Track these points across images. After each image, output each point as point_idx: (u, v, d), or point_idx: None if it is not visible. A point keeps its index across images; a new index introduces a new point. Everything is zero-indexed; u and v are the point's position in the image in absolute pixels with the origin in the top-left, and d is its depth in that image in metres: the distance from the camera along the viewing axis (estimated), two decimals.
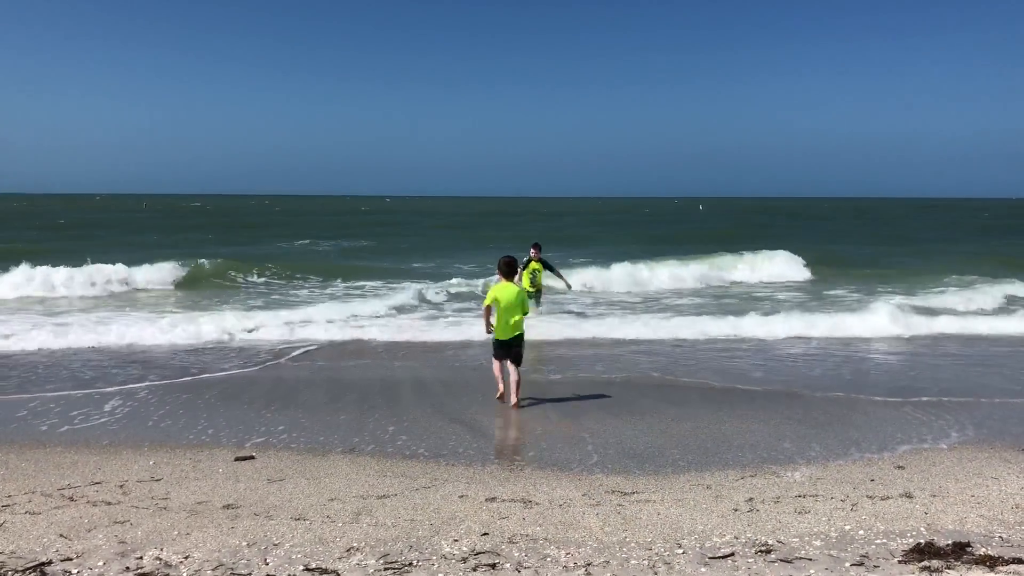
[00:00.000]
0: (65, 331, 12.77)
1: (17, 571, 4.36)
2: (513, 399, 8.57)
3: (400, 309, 16.35)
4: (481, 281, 20.26)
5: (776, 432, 7.74)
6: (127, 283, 19.90)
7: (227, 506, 5.55)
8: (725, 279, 22.87)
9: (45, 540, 4.85)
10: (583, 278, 20.66)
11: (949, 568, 4.28)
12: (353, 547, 4.73)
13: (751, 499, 5.68)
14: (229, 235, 45.65)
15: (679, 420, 8.19)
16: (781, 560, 4.48)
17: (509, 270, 8.66)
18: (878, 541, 4.78)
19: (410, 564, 4.47)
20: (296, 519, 5.25)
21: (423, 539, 4.87)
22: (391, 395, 9.29)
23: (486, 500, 5.67)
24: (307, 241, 40.66)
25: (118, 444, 7.35)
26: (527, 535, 4.93)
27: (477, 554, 4.61)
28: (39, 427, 7.93)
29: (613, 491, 5.93)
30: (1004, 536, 4.86)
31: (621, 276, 21.48)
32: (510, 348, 8.61)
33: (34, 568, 4.40)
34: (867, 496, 5.72)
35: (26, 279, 18.48)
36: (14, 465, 6.63)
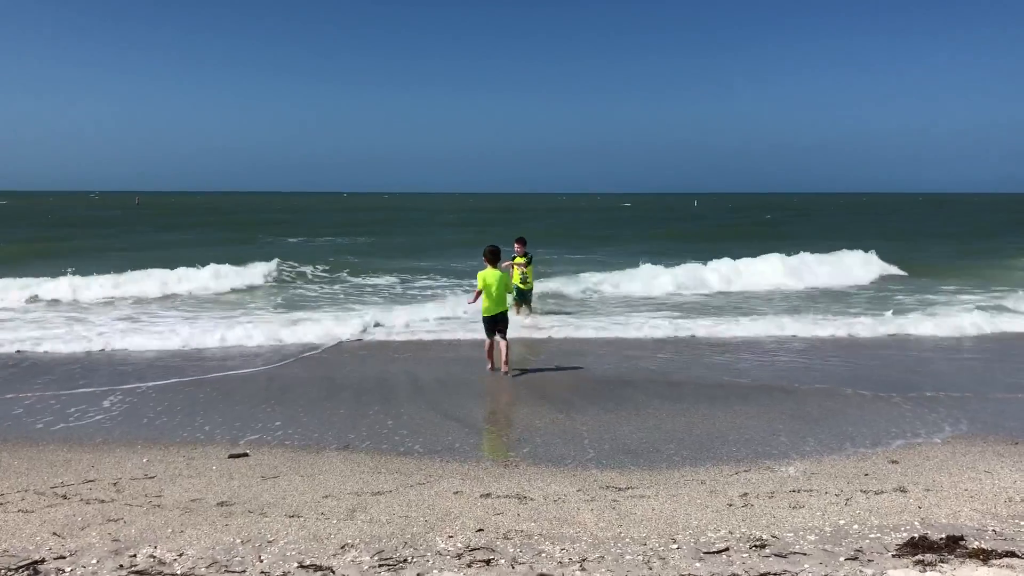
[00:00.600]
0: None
1: (10, 570, 4.34)
2: (504, 367, 9.98)
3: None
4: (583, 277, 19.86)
5: (770, 428, 7.75)
6: (247, 281, 19.72)
7: (221, 503, 5.54)
8: (820, 280, 20.41)
9: (38, 538, 4.83)
10: (679, 279, 19.44)
11: (943, 562, 4.29)
12: (347, 544, 4.73)
13: (745, 494, 5.69)
14: (264, 232, 45.51)
15: (673, 416, 8.21)
16: (775, 555, 4.49)
17: (493, 257, 10.15)
18: (872, 535, 4.79)
19: (405, 561, 4.46)
20: (290, 516, 5.24)
21: (418, 535, 4.86)
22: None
23: (481, 496, 5.66)
24: (342, 239, 39.96)
25: (111, 442, 7.32)
26: (522, 531, 4.93)
27: (472, 550, 4.61)
28: (34, 425, 7.91)
29: (608, 486, 5.93)
30: (997, 529, 4.88)
31: (717, 276, 20.07)
32: (496, 323, 10.08)
33: (27, 566, 4.39)
34: (861, 490, 5.73)
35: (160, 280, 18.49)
36: (7, 463, 6.61)
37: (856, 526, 4.96)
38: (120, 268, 19.45)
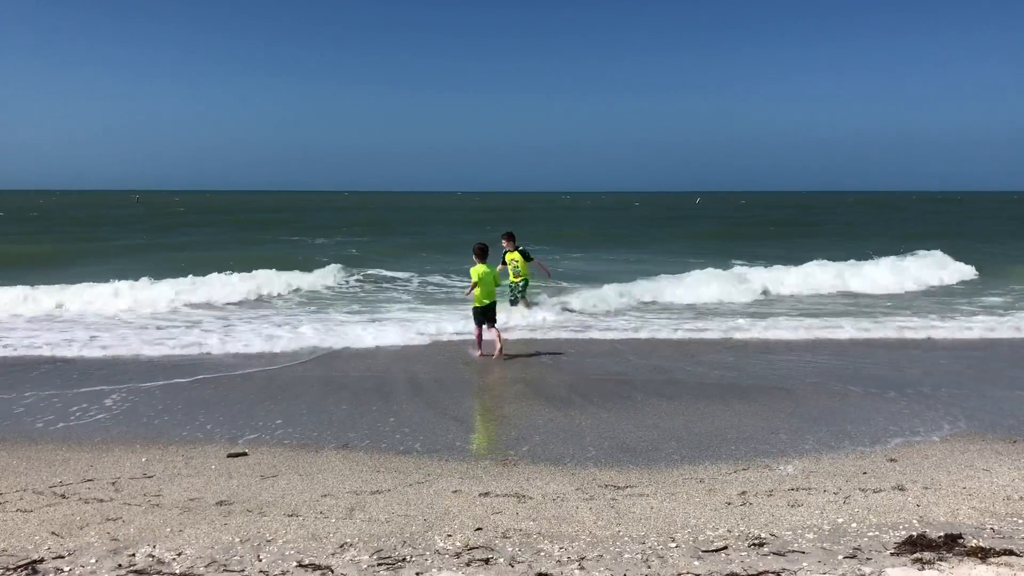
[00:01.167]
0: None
1: (8, 569, 4.34)
2: (497, 354, 10.86)
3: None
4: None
5: (768, 425, 7.76)
6: (343, 281, 19.73)
7: (220, 502, 5.54)
8: (899, 284, 19.34)
9: (37, 538, 4.83)
10: (767, 282, 18.47)
11: (941, 560, 4.29)
12: (346, 543, 4.73)
13: (744, 492, 5.69)
14: (296, 231, 44.97)
15: (672, 414, 8.21)
16: (774, 553, 4.50)
17: (482, 254, 11.20)
18: (871, 534, 4.80)
19: (403, 559, 4.46)
20: (289, 515, 5.24)
21: (416, 534, 4.87)
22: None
23: (479, 495, 5.67)
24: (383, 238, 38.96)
25: (110, 441, 7.32)
26: (520, 530, 4.93)
27: (471, 549, 4.61)
28: (35, 423, 7.90)
29: (607, 485, 5.93)
30: (996, 528, 4.88)
31: (822, 279, 19.24)
32: (486, 313, 11.12)
33: (26, 566, 4.39)
34: (860, 489, 5.74)
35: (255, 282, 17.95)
36: (5, 462, 6.60)
37: (854, 524, 4.97)
38: (199, 270, 19.38)
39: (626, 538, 4.79)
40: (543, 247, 29.15)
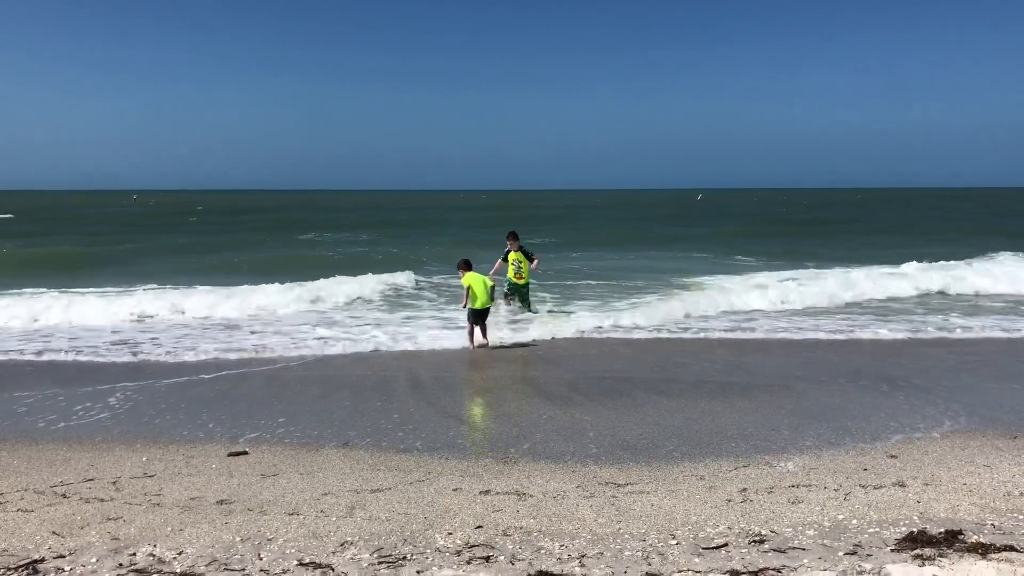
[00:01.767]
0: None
1: (10, 569, 4.35)
2: (485, 340, 11.92)
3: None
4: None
5: (769, 422, 7.75)
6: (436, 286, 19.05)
7: (220, 502, 5.54)
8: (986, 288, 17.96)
9: (38, 537, 4.83)
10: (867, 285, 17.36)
11: (942, 556, 4.29)
12: (347, 541, 4.73)
13: (744, 489, 5.69)
14: (335, 229, 44.75)
15: (672, 412, 8.21)
16: (774, 550, 4.49)
17: (468, 266, 12.31)
18: (871, 530, 4.80)
19: (404, 558, 4.46)
20: (290, 514, 5.24)
21: (417, 532, 4.87)
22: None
23: (480, 493, 5.67)
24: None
25: (111, 440, 7.32)
26: (521, 527, 4.93)
27: (471, 547, 4.62)
28: (36, 423, 7.90)
29: (607, 483, 5.93)
30: (996, 523, 4.88)
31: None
32: (481, 315, 11.98)
33: (27, 565, 4.39)
34: (860, 485, 5.74)
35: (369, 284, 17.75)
36: (6, 462, 6.61)
37: (855, 521, 4.96)
38: (265, 271, 19.53)
39: (627, 535, 4.79)
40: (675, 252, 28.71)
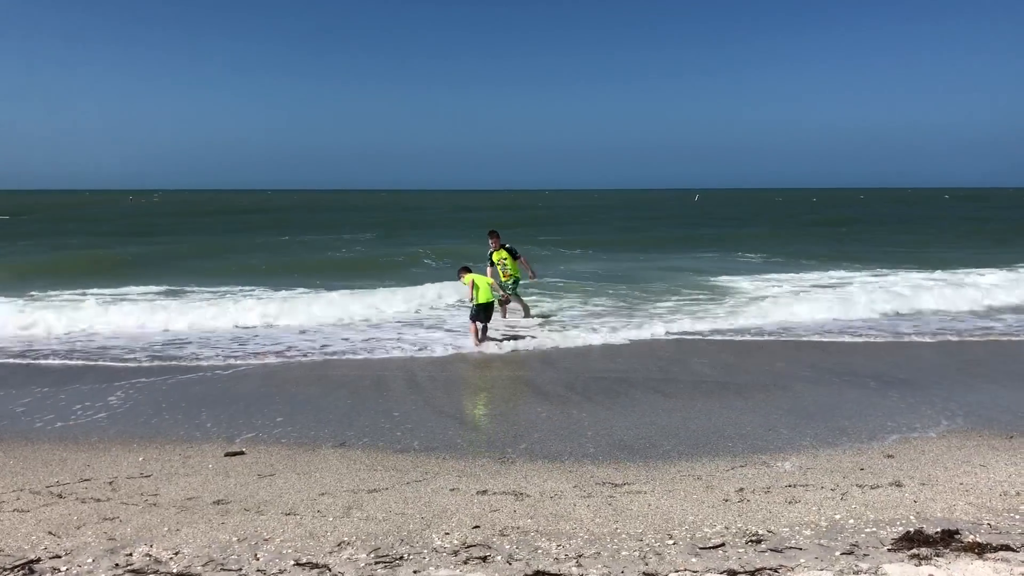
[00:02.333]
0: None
1: (6, 569, 4.34)
2: (483, 339, 12.06)
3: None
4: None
5: (767, 422, 7.76)
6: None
7: (217, 502, 5.53)
8: None
9: (34, 537, 4.82)
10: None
11: (938, 556, 4.30)
12: (344, 541, 4.72)
13: (741, 489, 5.69)
14: (370, 230, 43.84)
15: (669, 411, 8.21)
16: (771, 550, 4.50)
17: (466, 271, 12.50)
18: (868, 530, 4.80)
19: (401, 558, 4.46)
20: (287, 514, 5.23)
21: (414, 532, 4.86)
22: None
23: (477, 493, 5.66)
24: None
25: (107, 440, 7.31)
26: (518, 527, 4.93)
27: (468, 547, 4.61)
28: (33, 422, 7.89)
29: (604, 482, 5.93)
30: (992, 523, 4.89)
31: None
32: (486, 310, 12.15)
33: (22, 566, 4.38)
34: (857, 485, 5.74)
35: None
36: (1, 463, 6.59)
37: (852, 521, 4.97)
38: (330, 273, 19.64)
39: (624, 535, 4.79)
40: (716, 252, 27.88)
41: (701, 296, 17.23)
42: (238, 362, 10.85)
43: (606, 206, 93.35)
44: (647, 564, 4.33)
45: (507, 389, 9.43)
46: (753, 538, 4.70)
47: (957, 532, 4.66)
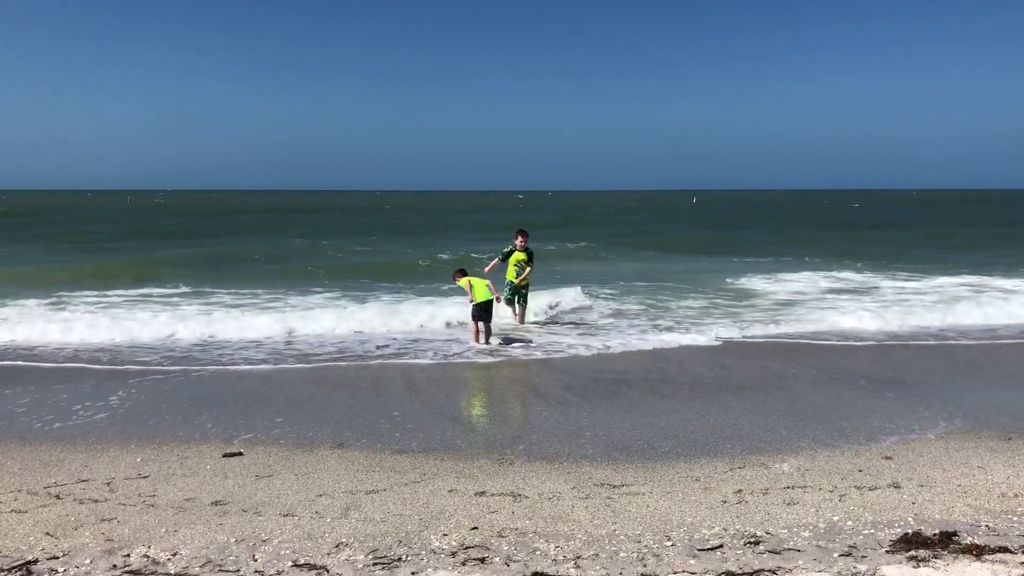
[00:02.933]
0: None
1: (3, 570, 4.33)
2: (487, 340, 12.15)
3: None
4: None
5: (765, 423, 7.76)
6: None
7: (215, 503, 5.52)
8: None
9: (31, 539, 4.82)
10: None
11: (936, 557, 4.30)
12: (342, 543, 4.72)
13: (740, 491, 5.69)
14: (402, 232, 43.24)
15: (668, 413, 8.22)
16: (770, 551, 4.50)
17: (462, 273, 12.64)
18: (866, 531, 4.80)
19: (399, 559, 4.46)
20: (285, 515, 5.23)
21: (412, 534, 4.86)
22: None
23: (475, 494, 5.66)
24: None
25: (105, 441, 7.30)
26: (516, 529, 4.93)
27: (466, 548, 4.61)
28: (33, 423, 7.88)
29: (602, 484, 5.93)
30: (991, 525, 4.89)
31: None
32: (487, 309, 12.17)
33: (20, 567, 4.37)
34: (855, 487, 5.75)
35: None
36: None
37: (850, 522, 4.97)
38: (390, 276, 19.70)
39: (622, 537, 4.79)
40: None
41: (739, 303, 16.63)
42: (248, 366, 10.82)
43: (607, 206, 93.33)
44: (645, 565, 4.33)
45: (505, 389, 9.42)
46: (751, 539, 4.70)
47: (955, 534, 4.66)
